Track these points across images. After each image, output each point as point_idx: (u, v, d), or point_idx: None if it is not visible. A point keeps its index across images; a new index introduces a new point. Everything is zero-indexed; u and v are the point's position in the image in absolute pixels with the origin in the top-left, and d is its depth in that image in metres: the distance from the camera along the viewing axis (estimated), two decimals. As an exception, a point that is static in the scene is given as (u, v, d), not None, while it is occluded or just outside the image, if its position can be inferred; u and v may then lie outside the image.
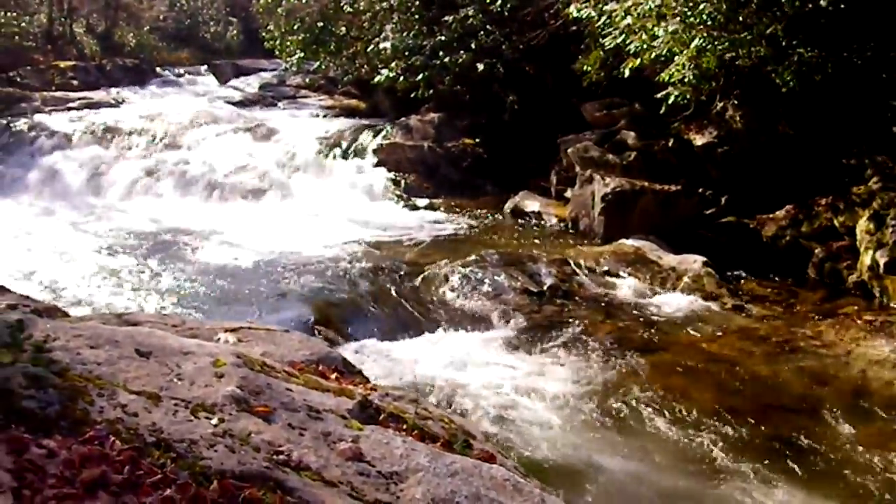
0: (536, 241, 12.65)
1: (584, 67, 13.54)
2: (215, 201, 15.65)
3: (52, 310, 7.36)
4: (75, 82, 24.97)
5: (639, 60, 11.31)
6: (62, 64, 26.21)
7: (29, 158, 17.39)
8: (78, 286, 10.29)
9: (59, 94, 22.84)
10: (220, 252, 11.91)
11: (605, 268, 10.81)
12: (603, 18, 12.01)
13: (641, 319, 9.38)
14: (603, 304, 9.80)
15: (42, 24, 28.52)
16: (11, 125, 18.82)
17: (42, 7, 29.16)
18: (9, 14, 25.23)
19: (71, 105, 21.35)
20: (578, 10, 12.66)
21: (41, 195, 15.99)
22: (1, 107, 20.28)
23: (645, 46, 10.98)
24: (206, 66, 31.16)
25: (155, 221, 14.04)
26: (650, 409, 7.21)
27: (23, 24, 25.97)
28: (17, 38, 25.25)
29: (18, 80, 23.44)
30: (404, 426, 3.52)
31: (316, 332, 8.34)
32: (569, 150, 13.80)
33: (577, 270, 10.62)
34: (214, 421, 3.09)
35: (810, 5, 9.84)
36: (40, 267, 10.99)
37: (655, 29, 10.68)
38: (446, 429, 3.71)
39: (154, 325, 4.70)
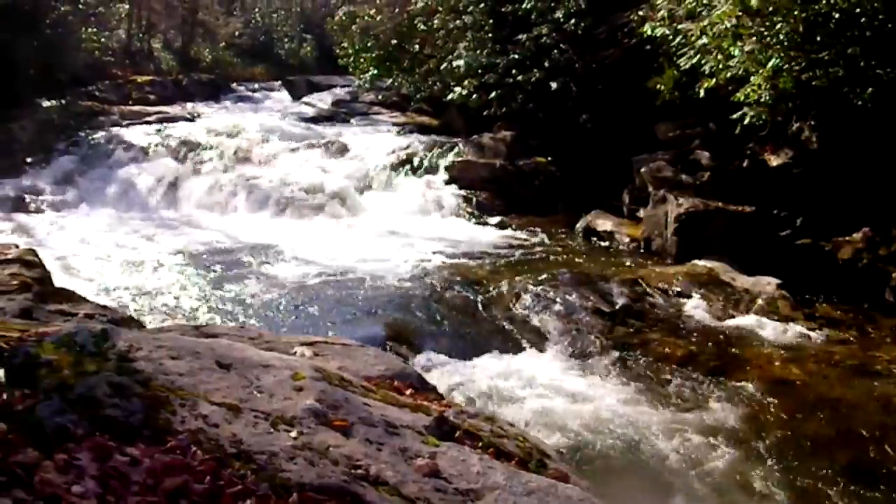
0: (608, 260, 12.57)
1: (658, 86, 13.46)
2: (287, 216, 15.80)
3: (129, 320, 7.53)
4: (152, 97, 25.48)
5: (714, 80, 11.22)
6: (140, 78, 26.77)
7: (107, 171, 17.77)
8: (152, 297, 10.48)
9: (136, 108, 23.32)
10: (292, 267, 12.02)
11: (678, 289, 10.70)
12: (678, 38, 11.96)
13: (714, 342, 9.25)
14: (675, 326, 9.69)
15: (121, 39, 29.18)
16: (90, 138, 19.25)
17: (122, 23, 29.76)
18: (90, 30, 25.78)
19: (148, 119, 21.76)
20: (653, 29, 12.61)
21: (118, 207, 16.32)
22: (81, 120, 20.73)
23: (720, 66, 10.90)
24: (279, 82, 31.56)
25: (228, 235, 14.23)
26: (720, 434, 7.12)
27: (103, 40, 26.53)
28: (97, 53, 25.80)
29: (98, 94, 23.99)
30: (480, 444, 3.54)
31: (388, 347, 8.38)
32: (642, 170, 13.73)
33: (649, 291, 10.54)
34: (294, 434, 3.12)
35: (890, 25, 9.69)
36: (116, 277, 11.22)
37: (731, 48, 10.60)
38: (521, 447, 3.72)
39: (232, 337, 4.77)
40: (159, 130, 19.95)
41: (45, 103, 21.01)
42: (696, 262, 11.58)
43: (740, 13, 10.35)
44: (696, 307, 10.24)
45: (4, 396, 3.13)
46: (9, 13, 20.39)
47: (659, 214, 12.80)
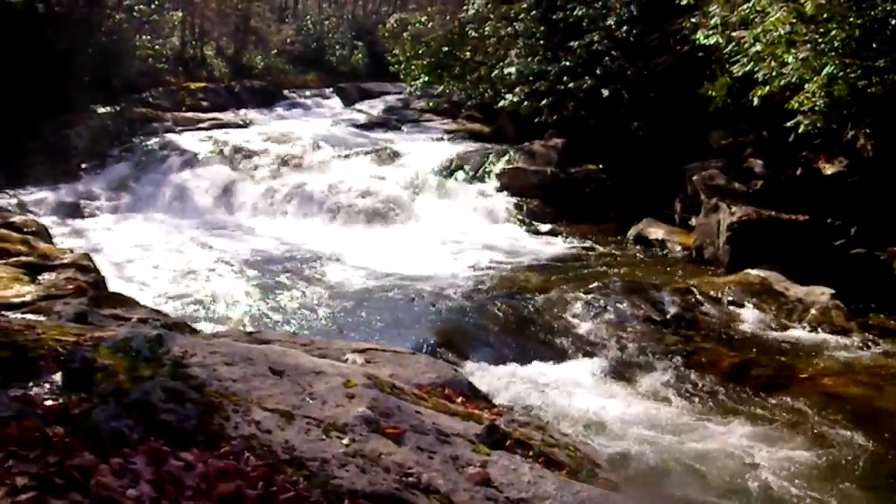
0: (660, 268, 12.51)
1: (711, 94, 13.35)
2: (339, 222, 15.90)
3: (181, 325, 7.61)
4: (205, 103, 25.71)
5: (768, 88, 11.11)
6: (193, 85, 27.03)
7: (160, 176, 17.98)
8: (205, 302, 10.61)
9: (189, 114, 23.59)
10: (343, 273, 12.10)
11: (730, 298, 10.62)
12: (731, 45, 11.86)
13: (766, 352, 9.18)
14: (726, 336, 9.63)
15: (175, 47, 29.48)
16: (144, 144, 19.50)
17: (175, 31, 30.09)
18: (144, 38, 26.12)
19: (200, 125, 22.01)
20: (706, 37, 12.52)
21: (171, 212, 16.51)
22: (135, 126, 21.00)
23: (774, 73, 10.79)
24: (331, 89, 31.65)
25: (279, 241, 14.36)
26: (772, 446, 7.05)
27: (157, 47, 26.85)
28: (151, 60, 26.11)
29: (151, 100, 24.28)
30: (531, 452, 3.55)
31: (438, 354, 8.39)
32: (694, 178, 13.66)
33: (701, 300, 10.48)
34: (346, 441, 3.15)
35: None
36: (169, 282, 11.36)
37: (785, 56, 10.49)
38: (572, 456, 3.72)
39: (285, 343, 4.82)
40: (212, 137, 20.15)
41: (100, 110, 21.30)
42: (749, 271, 11.48)
43: (794, 20, 10.25)
44: (748, 317, 10.17)
45: (62, 400, 3.19)
46: (65, 22, 20.74)
47: (711, 223, 12.72)
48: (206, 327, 8.76)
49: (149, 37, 26.70)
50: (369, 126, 23.74)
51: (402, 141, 20.41)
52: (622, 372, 8.53)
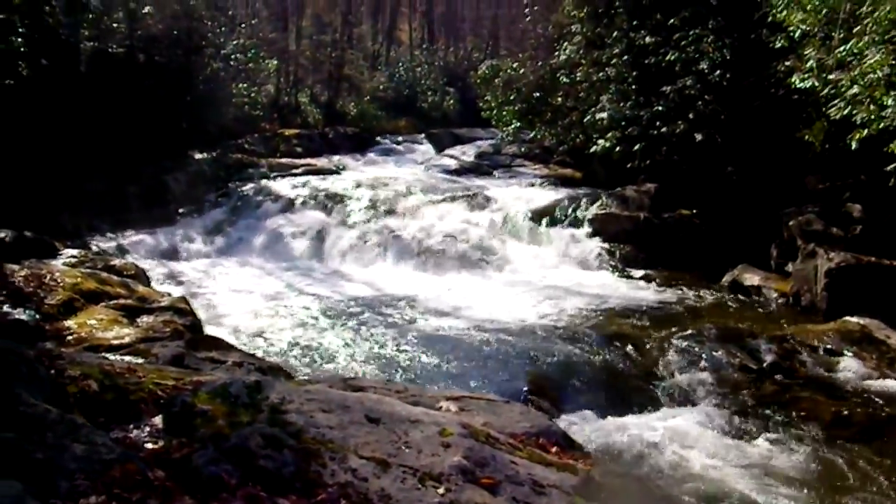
0: (755, 315, 12.31)
1: (808, 138, 13.14)
2: (430, 268, 15.96)
3: (276, 369, 7.72)
4: (299, 149, 26.17)
5: (866, 131, 10.90)
6: (287, 131, 27.55)
7: (255, 221, 18.34)
8: (299, 346, 10.71)
9: (283, 160, 24.02)
10: (435, 319, 12.13)
11: (829, 346, 10.39)
12: (827, 88, 11.68)
13: (866, 402, 8.94)
14: (825, 385, 9.41)
15: (270, 94, 30.09)
16: (240, 189, 19.91)
17: (270, 78, 30.70)
18: (240, 85, 26.70)
19: (294, 171, 22.37)
20: (801, 80, 12.34)
21: (266, 256, 16.81)
22: (231, 172, 21.48)
23: (873, 117, 10.58)
24: (423, 135, 31.94)
25: (371, 286, 14.48)
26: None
27: (252, 95, 27.41)
28: (246, 107, 26.67)
29: (247, 146, 24.78)
30: (627, 505, 3.50)
31: (531, 402, 8.34)
32: (790, 223, 13.44)
33: (799, 348, 10.26)
34: (441, 490, 3.15)
35: None
36: (263, 326, 11.50)
37: (885, 98, 10.29)
38: (669, 510, 3.66)
39: (379, 390, 4.85)
40: (306, 182, 20.45)
41: (198, 156, 21.86)
42: (848, 318, 11.23)
43: (893, 62, 10.07)
44: (847, 366, 9.93)
45: (162, 443, 3.25)
46: (164, 71, 21.35)
47: (808, 269, 12.48)
48: (299, 371, 8.85)
49: (245, 84, 27.31)
50: (461, 171, 23.88)
51: (494, 186, 20.46)
52: (719, 422, 8.36)
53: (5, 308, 8.79)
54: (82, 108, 18.10)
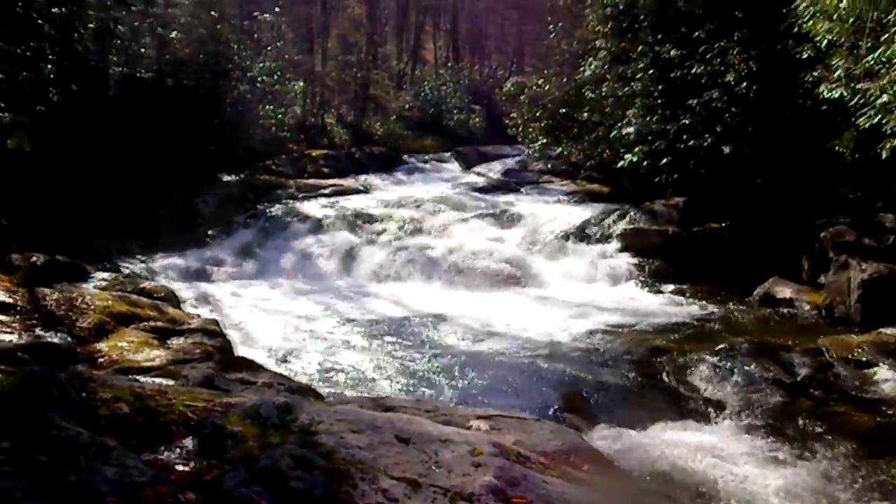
0: (788, 328, 12.18)
1: (837, 148, 13.05)
2: (460, 285, 15.97)
3: (306, 389, 7.72)
4: (326, 170, 26.33)
5: (896, 140, 10.81)
6: (314, 152, 27.73)
7: (284, 242, 18.46)
8: (328, 366, 10.69)
9: (311, 181, 24.19)
10: (465, 337, 12.12)
11: (864, 358, 10.26)
12: (856, 97, 11.59)
13: (904, 414, 8.82)
14: (861, 398, 9.26)
15: (296, 115, 30.34)
16: (268, 211, 20.04)
17: (297, 100, 30.91)
18: (268, 107, 26.90)
19: (322, 191, 22.52)
20: (829, 90, 12.26)
21: (295, 277, 16.87)
22: (259, 193, 21.63)
23: (904, 125, 10.50)
24: (449, 153, 32.07)
25: (401, 305, 14.47)
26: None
27: (279, 116, 27.61)
28: (274, 129, 26.88)
29: (274, 167, 25.01)
30: (661, 523, 3.47)
31: (562, 419, 8.30)
32: (822, 234, 13.34)
33: (833, 361, 10.16)
34: (473, 510, 3.12)
35: None
36: (293, 346, 11.49)
37: (915, 107, 10.22)
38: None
39: (409, 410, 4.83)
40: (334, 203, 20.55)
41: (226, 177, 22.05)
42: (883, 329, 11.10)
43: (923, 70, 10.01)
44: (883, 378, 9.79)
45: (193, 466, 3.25)
46: (192, 94, 21.57)
47: (841, 280, 12.36)
48: (329, 391, 8.85)
49: (272, 106, 27.53)
50: (488, 189, 23.93)
51: (522, 203, 20.48)
52: (752, 437, 8.27)
53: (38, 331, 8.88)
54: (112, 132, 18.30)
